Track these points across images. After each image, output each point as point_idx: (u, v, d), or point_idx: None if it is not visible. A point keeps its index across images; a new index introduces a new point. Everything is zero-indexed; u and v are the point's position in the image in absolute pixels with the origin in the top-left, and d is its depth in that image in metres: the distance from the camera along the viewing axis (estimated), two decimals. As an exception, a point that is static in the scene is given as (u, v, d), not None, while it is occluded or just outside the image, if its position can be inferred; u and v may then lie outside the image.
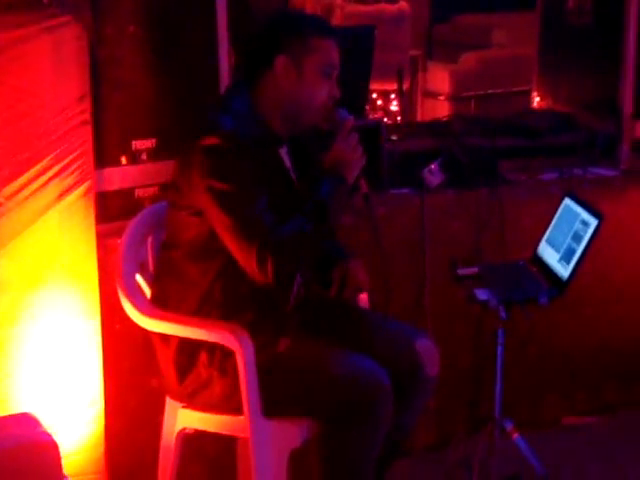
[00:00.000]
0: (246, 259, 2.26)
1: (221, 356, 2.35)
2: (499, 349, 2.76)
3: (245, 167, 2.28)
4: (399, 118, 4.42)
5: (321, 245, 2.39)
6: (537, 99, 3.89)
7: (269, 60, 2.36)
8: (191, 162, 2.31)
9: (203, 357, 2.37)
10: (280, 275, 2.25)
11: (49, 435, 2.20)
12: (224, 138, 2.27)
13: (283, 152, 2.45)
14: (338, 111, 2.42)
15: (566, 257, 2.68)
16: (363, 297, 2.67)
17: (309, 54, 2.36)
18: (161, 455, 2.52)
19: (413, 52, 5.27)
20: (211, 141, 2.27)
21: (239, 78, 2.47)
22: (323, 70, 2.37)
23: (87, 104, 2.51)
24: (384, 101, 4.59)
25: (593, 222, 2.62)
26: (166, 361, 2.43)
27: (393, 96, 4.54)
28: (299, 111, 2.39)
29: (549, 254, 2.80)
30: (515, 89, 4.97)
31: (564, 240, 2.73)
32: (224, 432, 2.46)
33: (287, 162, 2.46)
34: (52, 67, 2.43)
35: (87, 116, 2.51)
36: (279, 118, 2.40)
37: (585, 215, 2.68)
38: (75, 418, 2.58)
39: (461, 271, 2.83)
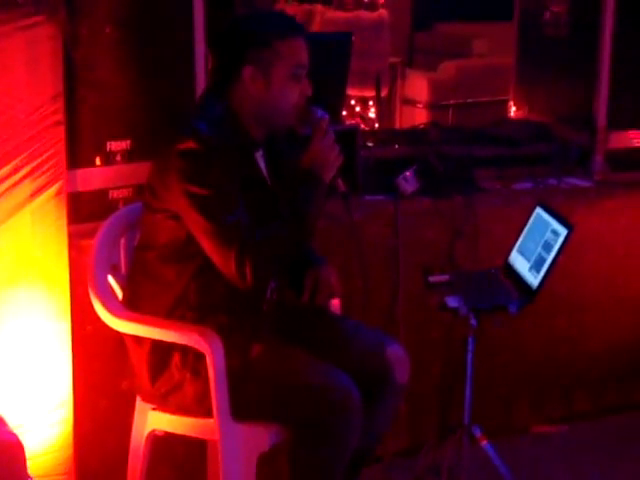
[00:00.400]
0: (225, 263, 2.26)
1: (194, 358, 2.35)
2: (469, 356, 2.77)
3: (222, 171, 2.28)
4: (377, 125, 4.43)
5: (299, 247, 2.40)
6: (513, 109, 3.91)
7: (237, 72, 2.36)
8: (168, 166, 2.31)
9: (176, 359, 2.37)
10: (259, 278, 2.26)
11: (14, 435, 2.19)
12: (200, 142, 2.28)
13: (259, 156, 2.46)
14: (313, 110, 2.42)
15: (536, 266, 2.69)
16: (335, 303, 2.68)
17: (275, 60, 2.35)
18: (130, 457, 2.52)
19: (392, 59, 5.28)
20: (188, 145, 2.27)
21: (214, 82, 2.47)
22: (292, 73, 2.37)
23: (60, 104, 2.50)
24: (362, 108, 4.60)
25: (563, 232, 2.64)
26: (139, 362, 2.43)
27: (371, 103, 4.55)
28: (272, 116, 2.40)
29: (520, 263, 2.81)
30: (494, 98, 4.98)
31: (535, 249, 2.74)
32: (193, 435, 2.45)
33: (262, 166, 2.46)
34: (25, 66, 2.42)
35: (60, 116, 2.50)
36: (253, 123, 2.40)
37: (556, 225, 2.69)
38: (44, 419, 2.56)
39: (432, 278, 2.84)
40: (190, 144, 2.27)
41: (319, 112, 2.42)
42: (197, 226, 2.29)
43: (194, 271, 2.37)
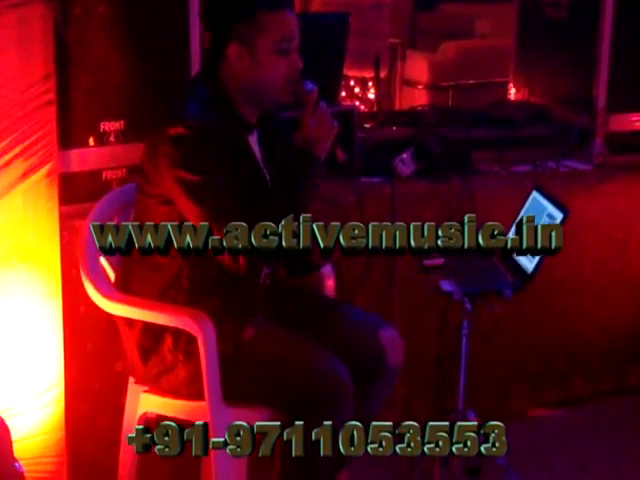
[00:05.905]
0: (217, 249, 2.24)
1: (186, 341, 2.34)
2: (464, 340, 2.75)
3: (212, 156, 2.26)
4: (376, 106, 4.40)
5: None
6: (513, 90, 3.88)
7: (223, 50, 2.33)
8: (158, 152, 2.30)
9: (168, 341, 2.37)
10: (252, 263, 2.25)
11: (0, 418, 2.18)
12: (190, 128, 2.26)
13: (252, 140, 2.42)
14: (303, 84, 2.36)
15: (532, 251, 2.67)
16: (329, 285, 2.66)
17: (260, 34, 2.30)
18: (123, 439, 2.51)
19: (392, 40, 5.24)
20: (177, 130, 2.26)
21: (206, 63, 2.44)
22: (277, 47, 2.31)
23: (52, 84, 2.48)
24: (361, 89, 4.56)
25: (559, 216, 2.61)
26: (130, 344, 2.43)
27: (370, 84, 4.52)
28: (261, 93, 2.36)
29: (516, 247, 2.79)
30: (494, 80, 4.95)
31: (531, 233, 2.72)
32: (185, 417, 2.44)
33: (256, 149, 2.43)
34: (17, 45, 2.40)
35: (51, 96, 2.48)
36: (245, 104, 2.37)
37: (551, 209, 2.66)
38: (35, 401, 2.55)
39: (427, 262, 2.81)
40: (180, 129, 2.25)
41: (308, 85, 2.36)
42: (189, 211, 2.28)
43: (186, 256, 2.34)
